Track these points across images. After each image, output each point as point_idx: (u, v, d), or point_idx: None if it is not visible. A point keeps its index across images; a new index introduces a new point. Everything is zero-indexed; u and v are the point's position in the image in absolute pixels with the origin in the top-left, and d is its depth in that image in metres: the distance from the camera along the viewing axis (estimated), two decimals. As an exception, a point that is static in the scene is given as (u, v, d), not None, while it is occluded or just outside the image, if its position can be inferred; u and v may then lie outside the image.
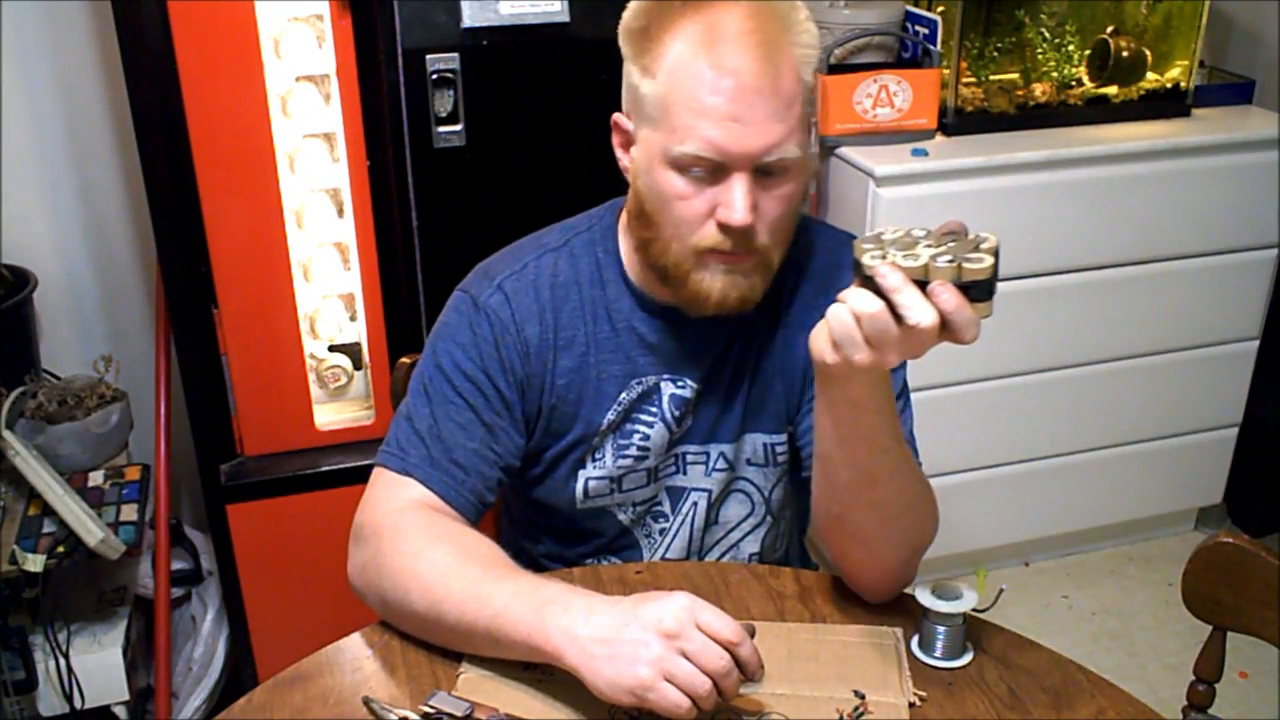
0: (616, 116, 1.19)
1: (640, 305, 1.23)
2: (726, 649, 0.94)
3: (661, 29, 1.09)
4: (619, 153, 1.19)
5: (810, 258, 1.26)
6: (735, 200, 1.08)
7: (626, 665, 0.94)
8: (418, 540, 1.11)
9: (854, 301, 0.91)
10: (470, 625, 1.04)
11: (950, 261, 0.90)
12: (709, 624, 0.95)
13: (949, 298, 0.89)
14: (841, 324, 0.92)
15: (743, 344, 1.25)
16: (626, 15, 1.13)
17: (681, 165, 1.09)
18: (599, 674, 0.96)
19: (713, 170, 1.08)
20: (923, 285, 0.90)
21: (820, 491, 1.13)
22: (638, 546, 1.32)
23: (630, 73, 1.14)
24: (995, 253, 0.91)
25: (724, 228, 1.09)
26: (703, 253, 1.12)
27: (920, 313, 0.89)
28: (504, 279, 1.23)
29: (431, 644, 1.11)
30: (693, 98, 1.07)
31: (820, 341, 0.96)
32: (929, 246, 0.92)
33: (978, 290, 0.90)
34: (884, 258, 0.91)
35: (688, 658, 0.93)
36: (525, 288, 1.23)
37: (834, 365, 0.95)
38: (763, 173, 1.09)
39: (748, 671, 0.96)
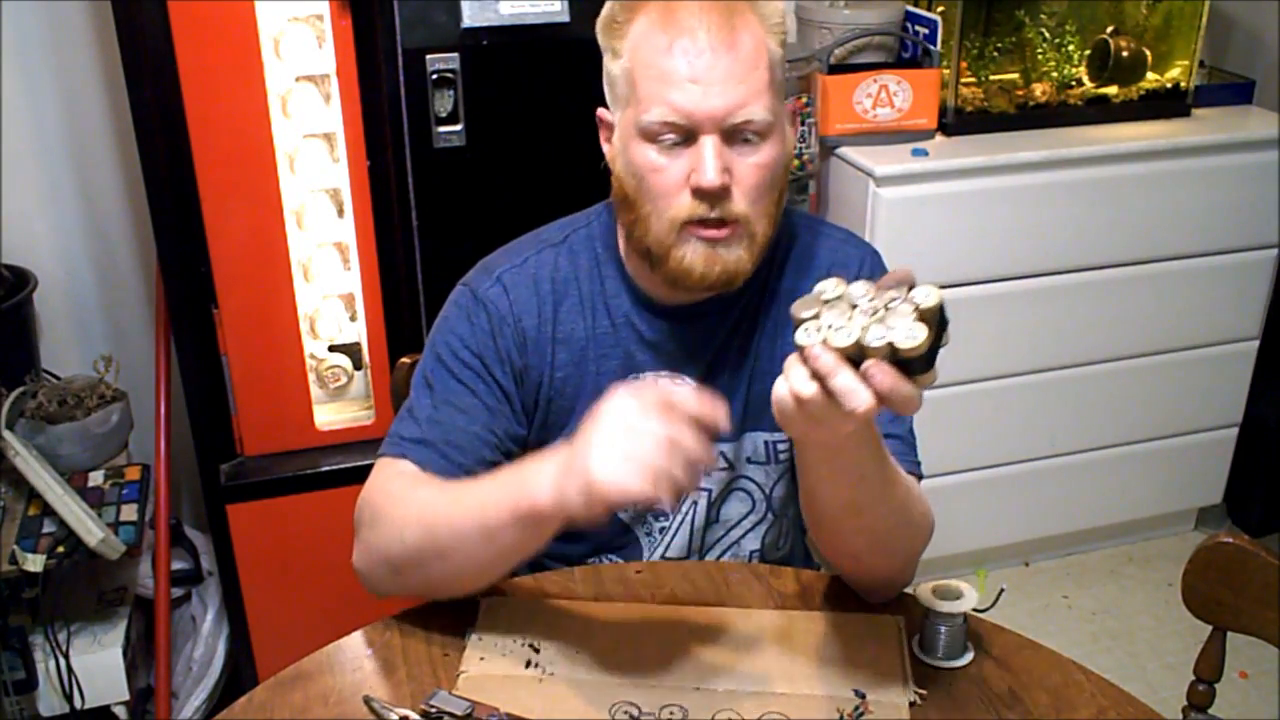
0: (600, 111, 1.21)
1: (637, 301, 1.23)
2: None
3: (629, 14, 1.13)
4: (604, 147, 1.21)
5: (811, 256, 1.27)
6: (705, 162, 1.08)
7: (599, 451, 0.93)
8: (407, 491, 1.12)
9: (793, 382, 0.89)
10: (463, 533, 1.04)
11: (882, 339, 0.85)
12: (643, 396, 0.93)
13: (883, 379, 0.86)
14: (784, 403, 0.91)
15: (742, 342, 1.25)
16: (602, 11, 1.17)
17: (651, 134, 1.11)
18: (572, 480, 0.94)
19: (683, 138, 1.10)
20: (860, 359, 0.86)
21: (809, 519, 1.14)
22: (638, 545, 1.32)
23: (606, 66, 1.17)
24: (935, 317, 0.86)
25: (698, 193, 1.10)
26: (681, 227, 1.12)
27: (856, 399, 0.86)
28: (503, 272, 1.24)
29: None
30: (654, 65, 1.09)
31: (775, 412, 0.94)
32: (864, 313, 0.87)
33: (916, 364, 0.86)
34: (818, 329, 0.87)
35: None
36: (524, 281, 1.23)
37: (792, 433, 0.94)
38: (734, 137, 1.10)
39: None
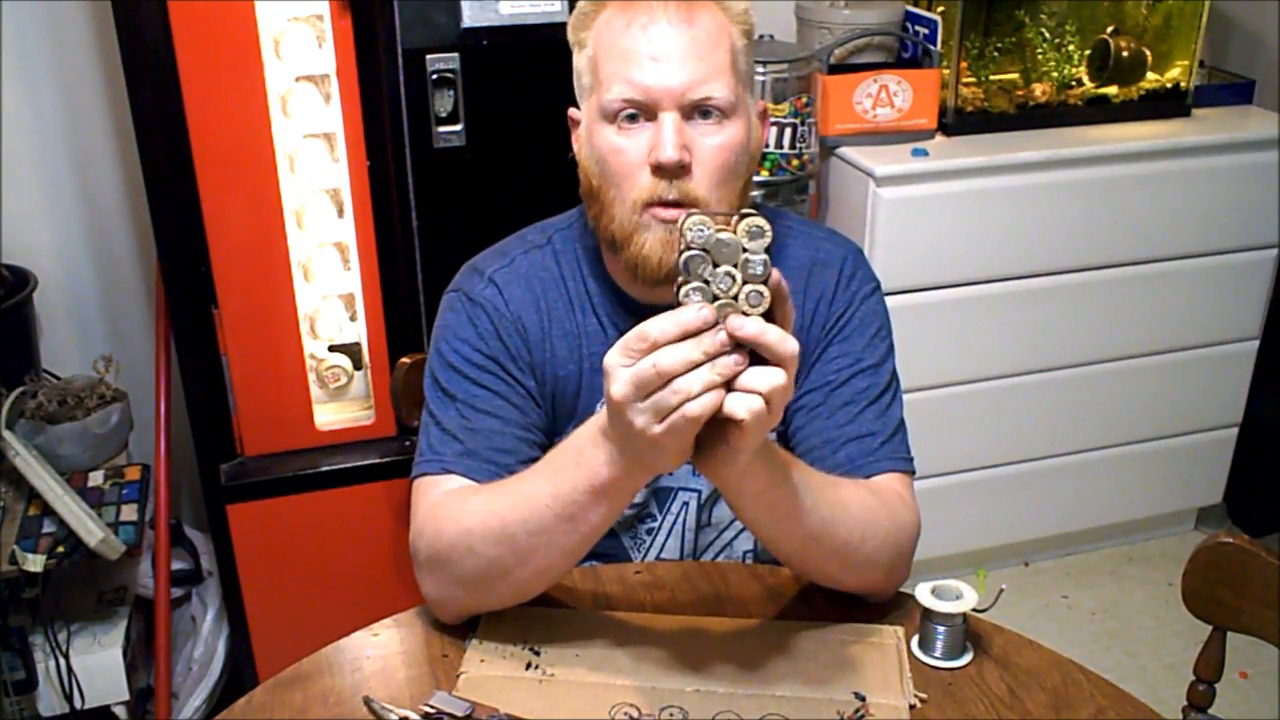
0: (570, 111, 1.21)
1: (620, 303, 1.23)
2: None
3: (596, 7, 1.15)
4: (575, 146, 1.21)
5: (791, 255, 1.26)
6: (663, 137, 1.09)
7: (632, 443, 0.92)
8: (462, 505, 1.11)
9: (755, 381, 0.88)
10: (543, 527, 1.02)
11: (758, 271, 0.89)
12: (628, 347, 0.90)
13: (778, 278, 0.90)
14: (757, 414, 0.89)
15: None
16: (573, 12, 1.19)
17: (612, 114, 1.11)
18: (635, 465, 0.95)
19: (643, 116, 1.11)
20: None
21: (782, 561, 1.13)
22: (624, 551, 1.31)
23: (574, 63, 1.18)
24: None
25: (657, 170, 1.10)
26: (642, 210, 1.12)
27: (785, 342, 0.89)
28: (494, 272, 1.24)
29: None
30: (614, 46, 1.11)
31: (743, 442, 0.93)
32: (727, 264, 0.89)
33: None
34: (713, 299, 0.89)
35: (660, 381, 0.88)
36: (516, 279, 1.24)
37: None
38: (694, 115, 1.11)
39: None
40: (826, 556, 1.09)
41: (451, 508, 1.11)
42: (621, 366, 0.90)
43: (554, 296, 1.24)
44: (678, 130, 1.09)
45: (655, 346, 0.88)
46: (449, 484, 1.15)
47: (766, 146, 2.21)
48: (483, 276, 1.24)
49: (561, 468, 1.02)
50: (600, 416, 0.97)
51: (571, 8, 1.82)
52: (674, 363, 0.88)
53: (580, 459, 0.99)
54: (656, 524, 1.30)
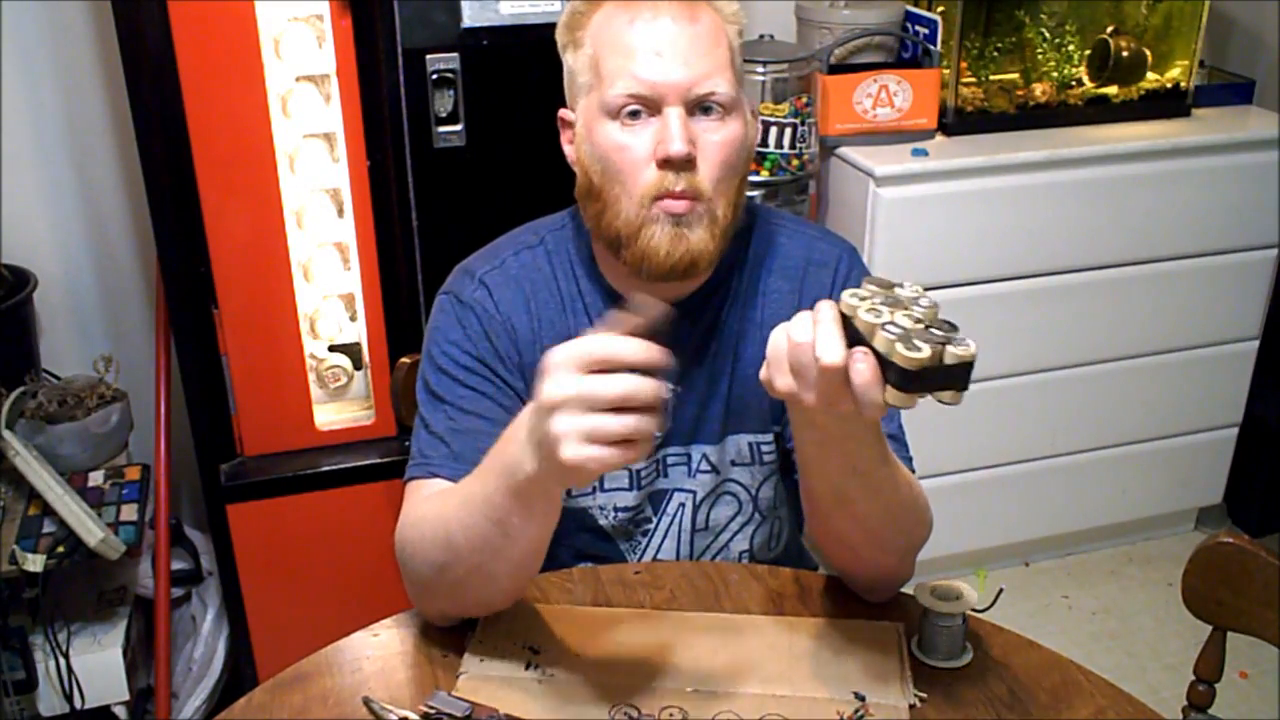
0: (561, 112, 1.22)
1: (612, 303, 1.23)
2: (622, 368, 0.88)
3: (591, 7, 1.16)
4: (565, 148, 1.22)
5: (788, 254, 1.26)
6: (671, 131, 1.09)
7: (532, 448, 0.91)
8: (420, 510, 1.11)
9: (794, 325, 0.89)
10: (478, 532, 1.00)
11: (894, 336, 0.83)
12: (581, 355, 0.89)
13: (862, 368, 0.84)
14: (774, 344, 0.91)
15: (718, 343, 1.25)
16: (562, 15, 1.19)
17: (615, 110, 1.12)
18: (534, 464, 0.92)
19: (647, 111, 1.11)
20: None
21: (804, 504, 1.13)
22: (621, 556, 1.31)
23: (566, 64, 1.19)
24: (941, 357, 0.82)
25: (664, 164, 1.10)
26: (649, 204, 1.12)
27: (828, 351, 0.85)
28: (484, 274, 1.24)
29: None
30: (617, 43, 1.12)
31: (768, 356, 0.93)
32: (906, 317, 0.86)
33: (896, 375, 0.84)
34: (860, 298, 0.87)
35: (584, 403, 0.87)
36: (507, 281, 1.24)
37: (763, 383, 0.93)
38: (696, 112, 1.11)
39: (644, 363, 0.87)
40: (851, 519, 1.07)
41: (417, 510, 1.12)
42: (566, 370, 0.89)
43: (545, 298, 1.24)
44: (684, 124, 1.10)
45: (613, 365, 0.87)
46: (434, 487, 1.14)
47: (766, 146, 2.21)
48: (473, 278, 1.24)
49: (490, 467, 1.00)
50: (526, 412, 0.95)
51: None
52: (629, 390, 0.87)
53: (503, 459, 0.97)
54: (652, 526, 1.30)
